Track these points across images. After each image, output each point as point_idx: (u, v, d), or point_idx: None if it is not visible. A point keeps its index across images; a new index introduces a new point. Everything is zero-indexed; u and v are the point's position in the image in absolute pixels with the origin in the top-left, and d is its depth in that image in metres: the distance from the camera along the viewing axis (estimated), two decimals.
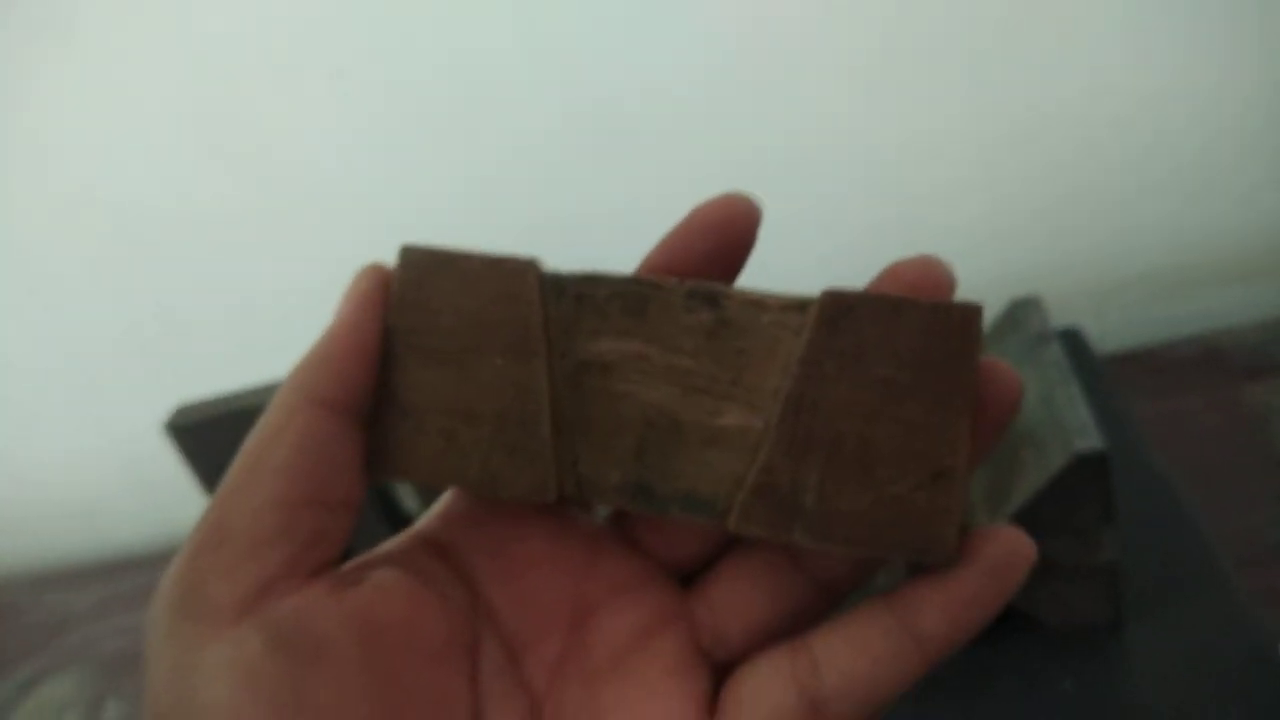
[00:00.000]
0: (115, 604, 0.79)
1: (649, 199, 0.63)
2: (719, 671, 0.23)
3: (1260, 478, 0.55)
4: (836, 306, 0.21)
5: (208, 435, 0.48)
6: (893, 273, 0.22)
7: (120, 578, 0.81)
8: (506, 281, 0.23)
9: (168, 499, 0.83)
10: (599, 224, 0.67)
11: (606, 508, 0.24)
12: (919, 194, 0.66)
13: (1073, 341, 0.61)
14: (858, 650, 0.21)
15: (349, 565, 0.23)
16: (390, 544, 0.24)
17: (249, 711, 0.19)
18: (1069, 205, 0.66)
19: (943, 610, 0.21)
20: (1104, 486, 0.41)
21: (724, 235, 0.22)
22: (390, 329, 0.23)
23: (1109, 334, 0.67)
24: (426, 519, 0.25)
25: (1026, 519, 0.42)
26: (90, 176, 0.71)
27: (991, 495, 0.44)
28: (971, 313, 0.21)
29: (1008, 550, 0.21)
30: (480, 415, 0.23)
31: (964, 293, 0.21)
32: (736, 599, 0.23)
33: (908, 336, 0.21)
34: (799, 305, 0.22)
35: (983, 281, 0.50)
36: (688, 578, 0.24)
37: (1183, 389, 0.61)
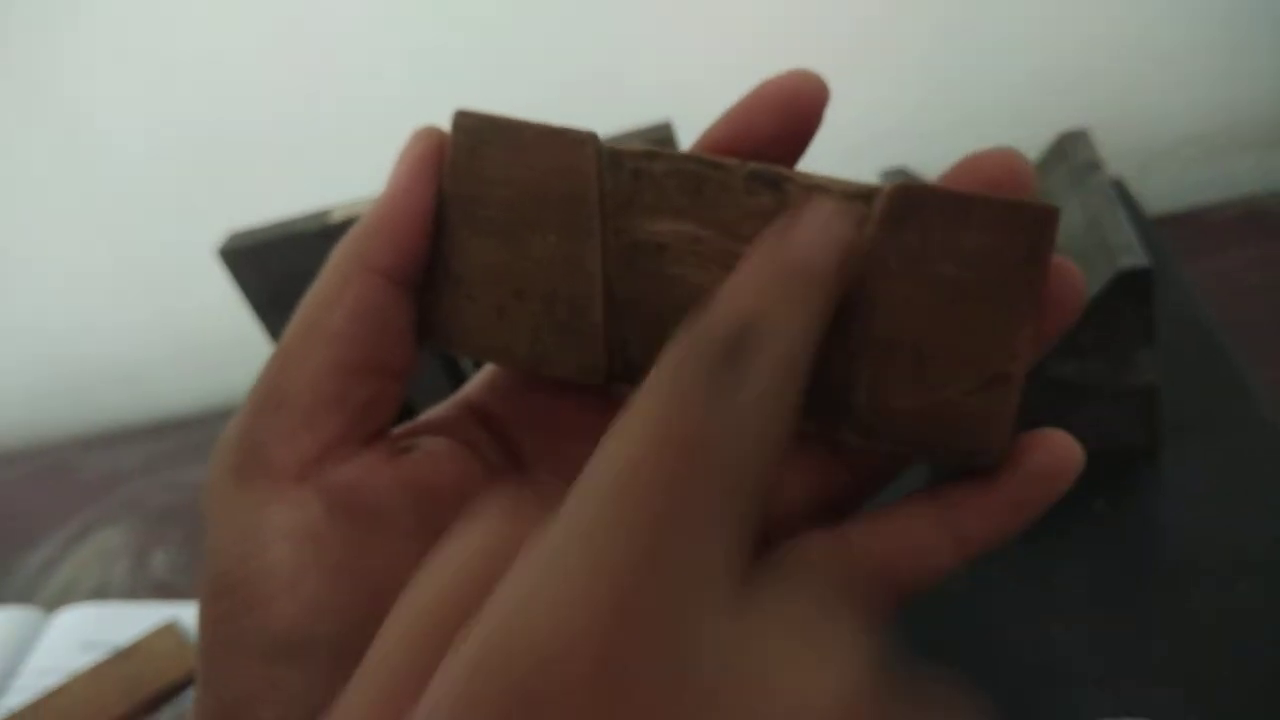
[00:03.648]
0: (161, 461, 0.81)
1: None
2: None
3: None
4: (906, 201, 0.20)
5: (258, 259, 0.48)
6: (972, 164, 0.20)
7: (166, 437, 0.84)
8: (564, 154, 0.22)
9: (210, 361, 0.85)
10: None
11: None
12: (970, 48, 0.65)
13: (1120, 192, 0.60)
14: (897, 542, 0.21)
15: (401, 429, 0.23)
16: (438, 410, 0.24)
17: (311, 574, 0.19)
18: (1115, 67, 0.65)
19: (985, 513, 0.21)
20: (1146, 305, 0.41)
21: (789, 115, 0.21)
22: (444, 196, 0.22)
23: (1154, 197, 0.66)
24: (473, 386, 0.25)
25: (1067, 339, 0.42)
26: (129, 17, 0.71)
27: None
28: (1048, 214, 0.20)
29: (1057, 457, 0.21)
30: (531, 292, 0.22)
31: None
32: (774, 482, 0.23)
33: (977, 235, 0.20)
34: (866, 195, 0.20)
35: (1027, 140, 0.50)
36: None
37: (1226, 249, 0.61)
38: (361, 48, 0.70)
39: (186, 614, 0.64)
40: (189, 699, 0.60)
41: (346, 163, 0.62)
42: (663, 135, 0.44)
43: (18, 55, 0.74)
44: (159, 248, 0.82)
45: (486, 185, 0.22)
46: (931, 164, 0.59)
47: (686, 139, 0.45)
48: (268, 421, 0.20)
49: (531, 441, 0.24)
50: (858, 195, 0.20)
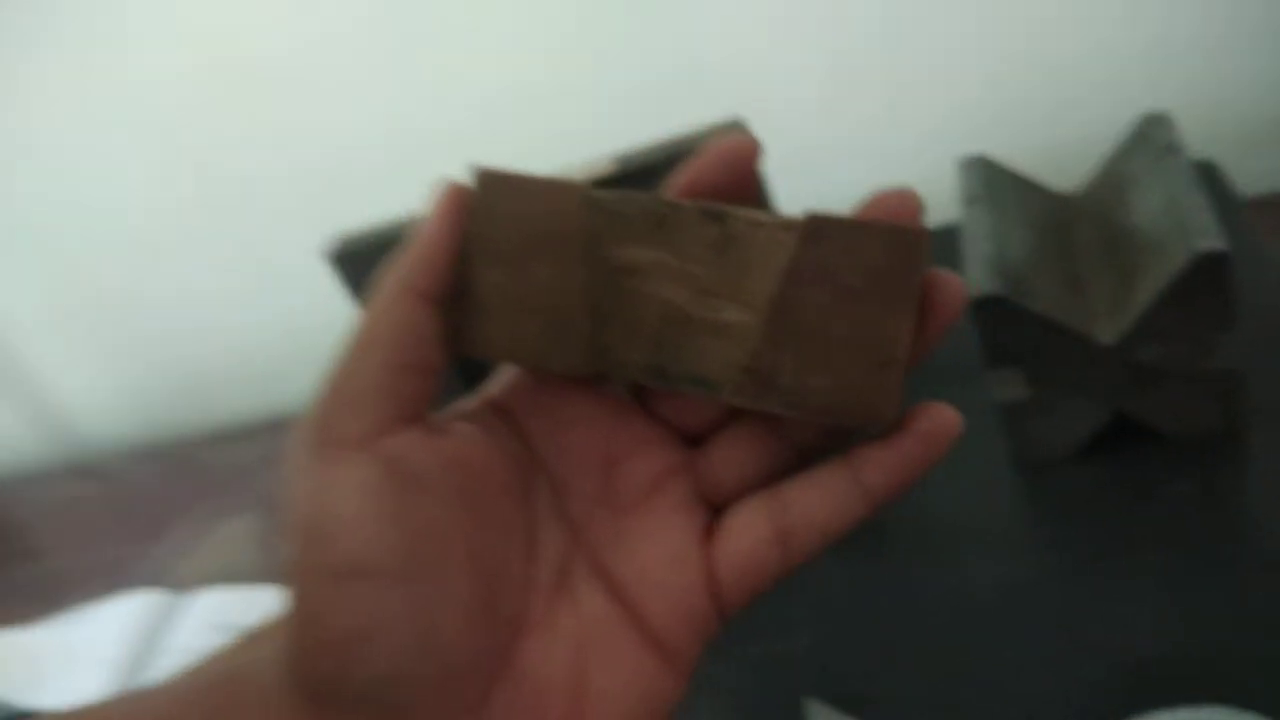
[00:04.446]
0: (281, 456, 0.87)
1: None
2: (713, 512, 0.29)
3: None
4: (816, 227, 0.26)
5: (362, 260, 0.52)
6: (877, 201, 0.27)
7: (283, 434, 0.89)
8: (557, 200, 0.28)
9: (323, 360, 0.90)
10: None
11: (631, 382, 0.30)
12: (1062, 20, 0.65)
13: (1209, 174, 0.59)
14: (819, 496, 0.27)
15: (438, 415, 0.28)
16: (464, 403, 0.30)
17: (371, 521, 0.25)
18: (1209, 47, 0.64)
19: (884, 466, 0.26)
20: (1223, 288, 0.41)
21: (730, 170, 0.28)
22: (467, 234, 0.29)
23: (1250, 179, 0.64)
24: (491, 386, 0.31)
25: (1146, 324, 0.42)
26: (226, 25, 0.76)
27: (1116, 304, 0.44)
28: (920, 235, 0.26)
29: (938, 423, 0.26)
30: (534, 307, 0.29)
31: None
32: (730, 457, 0.29)
33: (869, 253, 0.26)
34: (789, 225, 0.27)
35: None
36: (693, 440, 0.30)
37: None
38: (451, 53, 0.73)
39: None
40: None
41: (439, 166, 0.65)
42: (735, 129, 0.46)
43: (135, 72, 0.80)
44: (272, 254, 0.87)
45: (499, 225, 0.29)
46: (1017, 150, 0.59)
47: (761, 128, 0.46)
48: (337, 402, 0.27)
49: (538, 427, 0.30)
50: (784, 226, 0.27)
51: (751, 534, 0.28)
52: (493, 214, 0.29)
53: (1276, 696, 0.35)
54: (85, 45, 0.81)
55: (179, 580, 0.76)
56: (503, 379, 0.30)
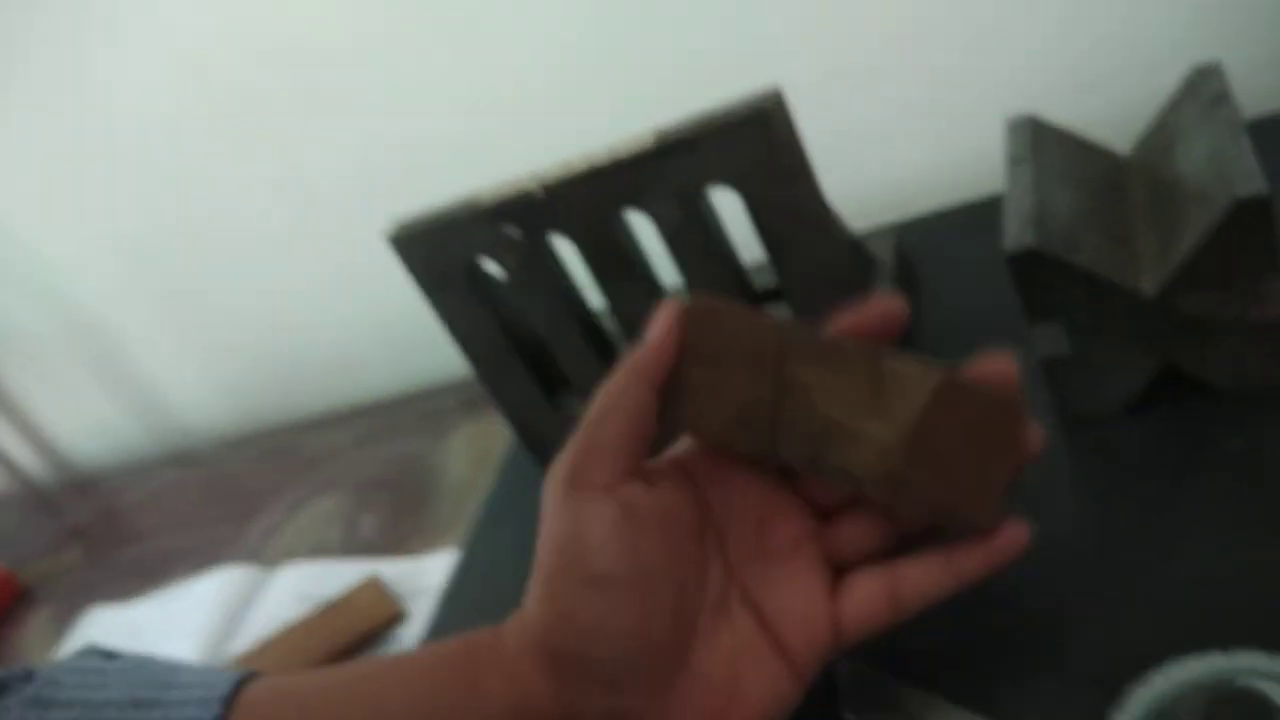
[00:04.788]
0: (368, 439, 0.90)
1: None
2: (834, 572, 0.39)
3: None
4: (949, 385, 0.36)
5: (422, 243, 0.54)
6: (985, 362, 0.37)
7: (371, 418, 0.92)
8: (757, 326, 0.38)
9: (403, 348, 0.93)
10: None
11: (788, 466, 0.39)
12: None
13: (1273, 128, 0.57)
14: (924, 572, 0.37)
15: (646, 470, 0.38)
16: (659, 462, 0.40)
17: (614, 546, 0.35)
18: None
19: (975, 559, 0.36)
20: (1268, 233, 0.40)
21: (884, 322, 0.38)
22: (685, 343, 0.38)
23: None
24: (675, 450, 0.41)
25: (1189, 273, 0.41)
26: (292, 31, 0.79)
27: (1161, 257, 0.44)
28: (1020, 402, 0.37)
29: (1014, 536, 0.36)
30: (729, 401, 0.38)
31: None
32: (853, 532, 0.39)
33: (982, 406, 0.36)
34: (926, 374, 0.36)
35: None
36: (823, 514, 0.40)
37: None
38: (498, 45, 0.75)
39: (388, 569, 0.71)
40: (391, 641, 0.67)
41: (495, 152, 0.66)
42: (773, 101, 0.46)
43: (215, 86, 0.84)
44: (349, 252, 0.90)
45: (708, 338, 0.38)
46: (1076, 114, 0.59)
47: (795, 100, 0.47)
48: (587, 457, 0.36)
49: (713, 488, 0.39)
50: (923, 377, 0.36)
51: (869, 593, 0.37)
52: (705, 330, 0.38)
53: None
54: (163, 57, 0.85)
55: (269, 557, 0.80)
56: (690, 446, 0.40)
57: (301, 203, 0.90)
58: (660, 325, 0.38)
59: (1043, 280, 0.43)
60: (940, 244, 0.65)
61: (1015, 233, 0.43)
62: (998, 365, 0.37)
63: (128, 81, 0.87)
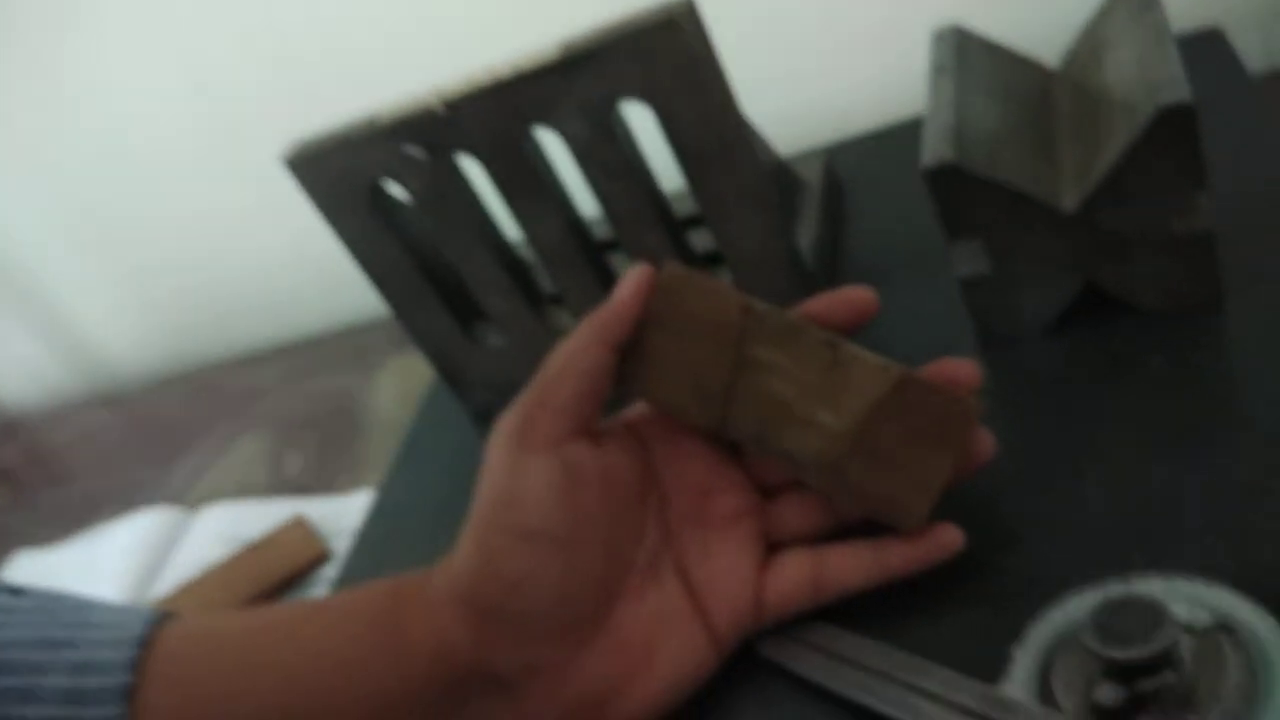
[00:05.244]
0: (296, 377, 0.87)
1: None
2: (769, 549, 0.39)
3: None
4: (904, 381, 0.36)
5: (319, 165, 0.51)
6: (946, 364, 0.37)
7: (300, 355, 0.90)
8: (722, 300, 0.38)
9: (337, 287, 0.90)
10: None
11: (736, 441, 0.39)
12: None
13: (1212, 42, 0.56)
14: (850, 562, 0.37)
15: (595, 430, 0.38)
16: (612, 423, 0.40)
17: (550, 502, 0.35)
18: None
19: (903, 556, 0.37)
20: (1191, 143, 0.38)
21: (852, 313, 0.38)
22: (650, 310, 0.38)
23: (1263, 54, 0.61)
24: (629, 413, 0.41)
25: (1111, 186, 0.40)
26: None
27: (1083, 170, 0.42)
28: (972, 406, 0.36)
29: (946, 538, 0.37)
30: (687, 372, 0.38)
31: None
32: (792, 513, 0.39)
33: (936, 409, 0.36)
34: (884, 369, 0.36)
35: None
36: (767, 492, 0.40)
37: None
38: None
39: (314, 508, 0.69)
40: (316, 582, 0.65)
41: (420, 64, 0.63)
42: (683, 7, 0.44)
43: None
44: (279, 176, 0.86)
45: (673, 308, 0.38)
46: (1008, 25, 0.56)
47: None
48: (538, 414, 0.36)
49: (661, 452, 0.40)
50: (879, 369, 0.36)
51: (795, 575, 0.38)
52: (672, 299, 0.38)
53: (1246, 569, 0.34)
54: None
55: (194, 498, 0.78)
56: (643, 410, 0.40)
57: (224, 119, 0.85)
58: (628, 287, 0.38)
59: (961, 196, 0.42)
60: (872, 165, 0.63)
61: (933, 147, 0.41)
62: (960, 370, 0.37)
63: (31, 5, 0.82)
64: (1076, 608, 0.34)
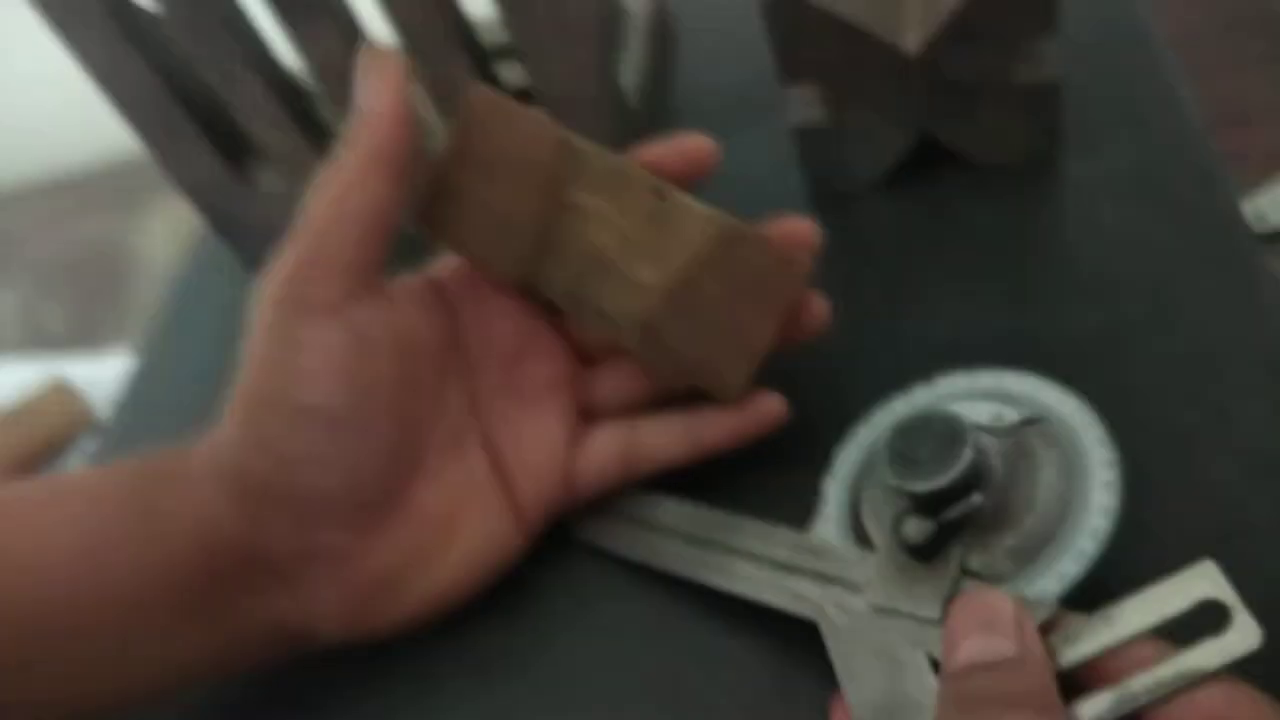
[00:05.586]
0: (55, 219, 0.77)
1: None
2: (585, 420, 0.35)
3: (1253, 40, 0.48)
4: (733, 232, 0.32)
5: None
6: (786, 222, 0.34)
7: (60, 194, 0.79)
8: (537, 135, 0.33)
9: (102, 116, 0.79)
10: None
11: (549, 300, 0.35)
12: None
13: None
14: (663, 436, 0.34)
15: (388, 287, 0.33)
16: (412, 279, 0.35)
17: (330, 376, 0.30)
18: None
19: (717, 428, 0.34)
20: None
21: (687, 165, 0.34)
22: (455, 146, 0.33)
23: None
24: (438, 268, 0.36)
25: (956, 27, 0.36)
26: None
27: (928, 9, 0.38)
28: (802, 266, 0.33)
29: (766, 409, 0.34)
30: (492, 215, 0.34)
31: None
32: (609, 383, 0.36)
33: (763, 267, 0.33)
34: (713, 220, 0.32)
35: None
36: (586, 360, 0.36)
37: None
38: None
39: (77, 370, 0.62)
40: (81, 450, 0.59)
41: None
42: None
43: None
44: None
45: (484, 142, 0.33)
46: None
47: None
48: (311, 272, 0.31)
49: (467, 313, 0.35)
50: (711, 220, 0.33)
51: (606, 452, 0.34)
52: (482, 129, 0.33)
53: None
54: None
55: None
56: (449, 263, 0.36)
57: None
58: (379, 89, 0.31)
59: (798, 31, 0.37)
60: (712, 5, 0.57)
61: None
62: (798, 229, 0.34)
63: None
64: (881, 420, 0.32)
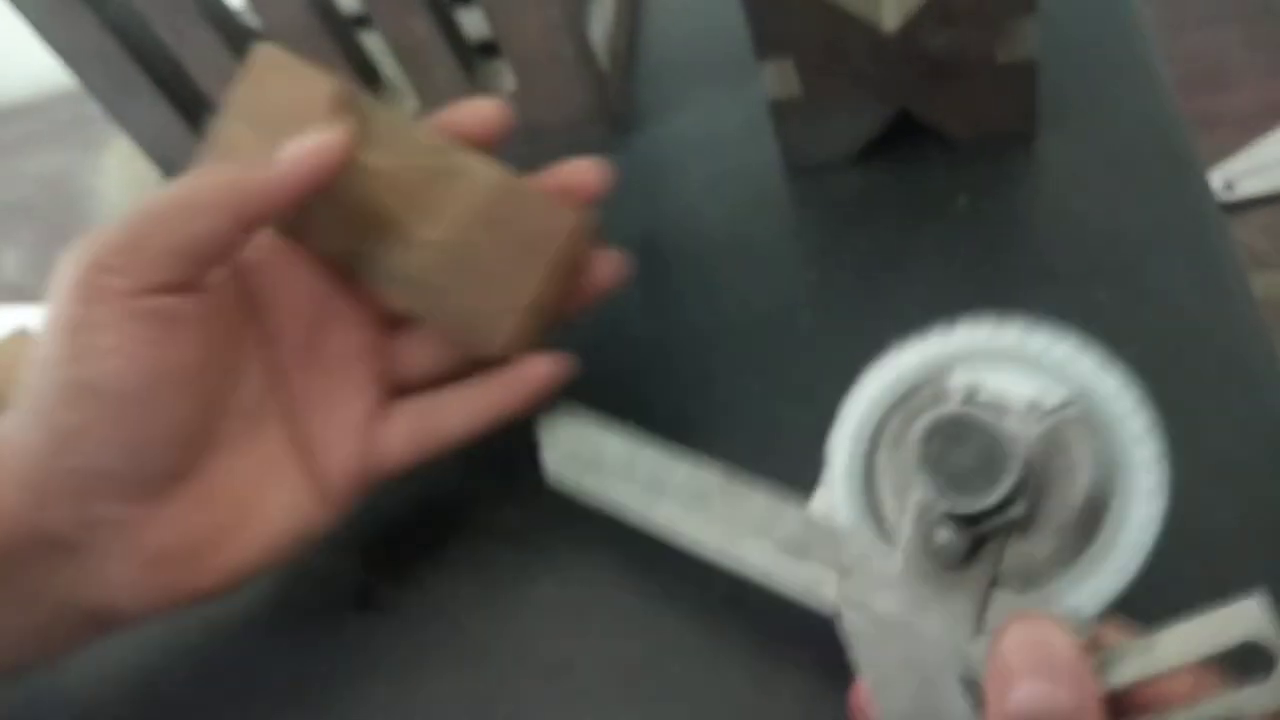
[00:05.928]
0: (7, 153, 0.75)
1: None
2: (390, 393, 0.35)
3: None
4: (510, 187, 0.33)
5: None
6: (570, 167, 0.34)
7: (8, 126, 0.76)
8: (313, 88, 0.32)
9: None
10: None
11: (332, 261, 0.34)
12: None
13: None
14: (457, 411, 0.34)
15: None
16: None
17: (122, 358, 0.29)
18: None
19: (497, 395, 0.34)
20: None
21: (480, 126, 0.34)
22: (234, 96, 0.33)
23: None
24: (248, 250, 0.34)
25: (936, 8, 0.35)
26: None
27: None
28: (576, 218, 0.33)
29: (532, 371, 0.34)
30: None
31: None
32: (413, 351, 0.36)
33: (540, 220, 0.32)
34: (489, 176, 0.33)
35: None
36: (395, 326, 0.36)
37: None
38: None
39: (39, 318, 0.60)
40: None
41: None
42: None
43: None
44: None
45: (262, 95, 0.33)
46: None
47: None
48: (123, 262, 0.30)
49: (264, 281, 0.34)
50: (492, 181, 0.33)
51: (407, 422, 0.34)
52: (261, 84, 0.33)
53: None
54: None
55: None
56: (260, 241, 0.34)
57: None
58: (298, 163, 0.31)
59: (776, 8, 0.36)
60: None
61: None
62: (581, 174, 0.33)
63: None
64: (894, 369, 0.28)
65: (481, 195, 0.32)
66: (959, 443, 0.24)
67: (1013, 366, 0.26)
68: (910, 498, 0.26)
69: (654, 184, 0.45)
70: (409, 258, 0.33)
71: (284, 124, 0.31)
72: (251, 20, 0.47)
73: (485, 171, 0.32)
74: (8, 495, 0.30)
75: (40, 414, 0.30)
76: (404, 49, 0.44)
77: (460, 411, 0.34)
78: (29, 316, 0.60)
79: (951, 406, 0.25)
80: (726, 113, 0.45)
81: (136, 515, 0.31)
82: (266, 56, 0.33)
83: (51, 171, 0.69)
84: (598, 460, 0.33)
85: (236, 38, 0.45)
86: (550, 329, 0.34)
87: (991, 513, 0.24)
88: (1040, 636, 0.24)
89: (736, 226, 0.42)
